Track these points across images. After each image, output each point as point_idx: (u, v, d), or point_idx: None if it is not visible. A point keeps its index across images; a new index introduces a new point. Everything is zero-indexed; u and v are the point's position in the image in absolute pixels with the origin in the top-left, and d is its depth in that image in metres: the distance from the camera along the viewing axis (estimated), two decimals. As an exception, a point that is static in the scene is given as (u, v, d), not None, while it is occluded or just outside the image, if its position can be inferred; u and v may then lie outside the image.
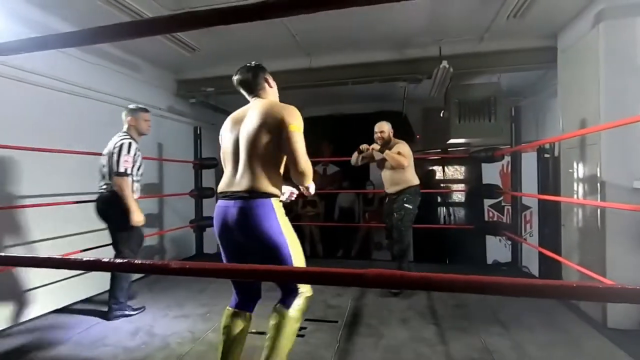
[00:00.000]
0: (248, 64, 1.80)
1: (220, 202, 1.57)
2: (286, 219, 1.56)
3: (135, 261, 0.65)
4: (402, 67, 4.04)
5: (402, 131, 6.25)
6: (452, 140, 4.66)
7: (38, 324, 2.58)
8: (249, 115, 1.59)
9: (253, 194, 1.48)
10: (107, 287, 2.61)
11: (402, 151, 3.01)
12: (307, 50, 3.92)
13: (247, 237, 1.52)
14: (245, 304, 1.65)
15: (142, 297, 3.05)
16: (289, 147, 1.51)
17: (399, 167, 2.97)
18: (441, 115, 4.71)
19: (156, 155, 4.32)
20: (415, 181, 3.09)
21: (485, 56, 3.86)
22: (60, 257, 0.79)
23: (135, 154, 2.56)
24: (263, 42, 3.68)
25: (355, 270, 0.58)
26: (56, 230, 3.06)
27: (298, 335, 2.22)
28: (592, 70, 2.97)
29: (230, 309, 1.64)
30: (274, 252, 1.50)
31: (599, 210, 2.88)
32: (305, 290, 1.58)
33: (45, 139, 2.84)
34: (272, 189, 1.51)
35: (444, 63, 3.56)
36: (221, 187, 1.59)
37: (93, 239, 3.37)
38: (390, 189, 3.14)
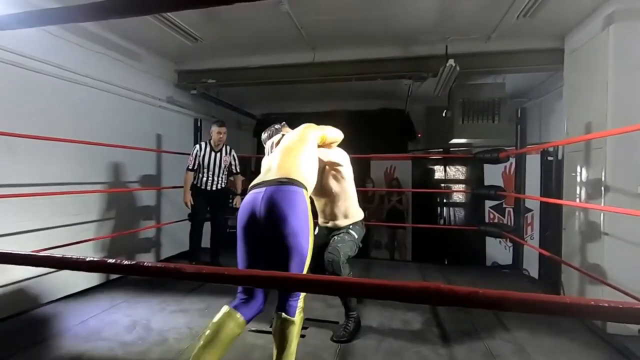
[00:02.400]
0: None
1: None
2: None
3: (146, 264, 0.61)
4: (407, 65, 3.98)
5: (405, 129, 6.25)
6: (454, 140, 4.63)
7: (32, 316, 2.54)
8: None
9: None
10: (103, 280, 2.57)
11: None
12: (312, 44, 3.85)
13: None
14: (247, 309, 1.56)
15: (138, 290, 3.01)
16: None
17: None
18: (444, 114, 4.67)
19: (155, 146, 4.25)
20: None
21: (491, 56, 3.81)
22: (61, 256, 0.75)
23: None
24: (267, 34, 3.61)
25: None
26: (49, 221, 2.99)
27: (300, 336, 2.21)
28: (600, 73, 2.94)
29: (228, 307, 1.55)
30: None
31: (602, 215, 2.86)
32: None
33: (42, 126, 2.76)
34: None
35: (451, 61, 3.51)
36: None
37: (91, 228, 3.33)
38: None
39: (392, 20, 3.29)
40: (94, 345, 2.11)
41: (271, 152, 1.87)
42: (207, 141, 3.63)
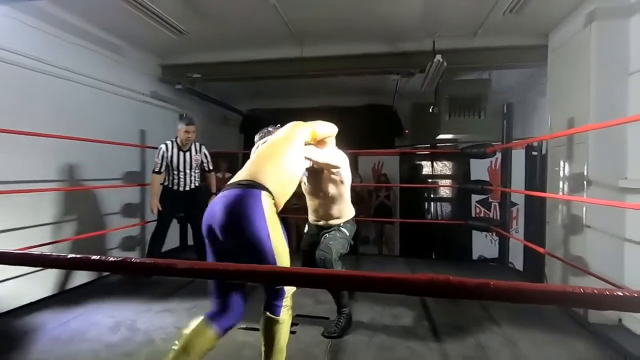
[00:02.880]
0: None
1: None
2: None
3: (136, 260, 0.57)
4: (395, 60, 3.99)
5: (392, 125, 6.27)
6: (441, 136, 4.67)
7: (11, 318, 2.43)
8: None
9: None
10: (85, 280, 2.49)
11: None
12: (300, 39, 3.80)
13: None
14: (222, 319, 1.50)
15: (122, 291, 2.93)
16: None
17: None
18: (431, 110, 4.70)
19: (139, 142, 4.14)
20: None
21: (477, 52, 3.85)
22: (50, 254, 0.70)
23: None
24: (254, 28, 3.55)
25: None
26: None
27: (290, 332, 2.18)
28: (583, 69, 3.00)
29: (203, 320, 1.49)
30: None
31: (584, 208, 2.94)
32: (289, 288, 1.55)
33: (19, 121, 2.64)
34: None
35: (438, 57, 3.53)
36: None
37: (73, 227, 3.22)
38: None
39: (380, 15, 3.28)
40: (77, 347, 2.03)
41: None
42: (174, 140, 3.33)
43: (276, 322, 1.51)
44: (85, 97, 3.39)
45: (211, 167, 3.56)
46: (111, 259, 0.59)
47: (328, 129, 1.90)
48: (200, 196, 3.48)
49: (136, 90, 4.09)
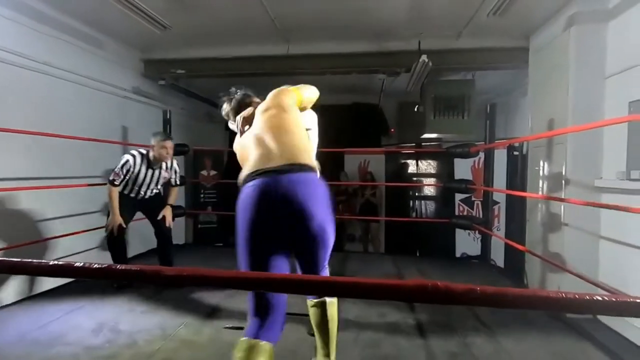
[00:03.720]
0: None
1: None
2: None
3: (120, 267, 0.56)
4: (381, 59, 4.01)
5: (378, 124, 6.32)
6: (426, 135, 4.73)
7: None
8: None
9: None
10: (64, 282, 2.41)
11: None
12: (286, 36, 3.78)
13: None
14: (268, 331, 1.31)
15: (104, 291, 2.86)
16: None
17: None
18: (416, 109, 4.76)
19: (121, 139, 4.04)
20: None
21: (461, 53, 3.92)
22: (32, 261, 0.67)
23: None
24: (240, 24, 3.50)
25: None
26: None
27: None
28: (562, 72, 3.09)
29: (248, 339, 1.27)
30: None
31: (562, 207, 3.03)
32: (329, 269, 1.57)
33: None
34: None
35: (424, 57, 3.57)
36: None
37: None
38: None
39: (366, 14, 3.29)
40: (56, 351, 1.98)
41: (244, 129, 1.55)
42: (144, 154, 2.95)
43: (333, 303, 1.53)
44: (66, 93, 3.28)
45: (178, 182, 3.25)
46: (95, 265, 0.57)
47: (313, 93, 1.70)
48: (159, 199, 3.20)
49: (118, 86, 3.98)
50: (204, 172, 5.63)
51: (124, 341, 2.09)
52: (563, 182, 3.04)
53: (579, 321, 2.50)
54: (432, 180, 5.65)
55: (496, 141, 3.75)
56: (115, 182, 2.86)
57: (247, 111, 1.60)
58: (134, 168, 2.89)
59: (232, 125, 1.68)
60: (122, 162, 2.88)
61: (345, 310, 2.47)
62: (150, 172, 2.97)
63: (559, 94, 3.12)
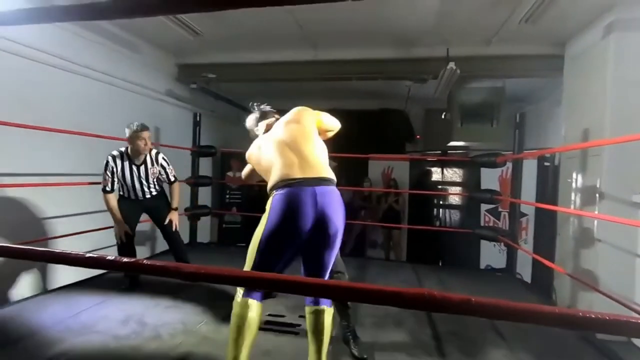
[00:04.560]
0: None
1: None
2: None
3: (144, 261, 0.60)
4: (408, 66, 4.00)
5: (403, 130, 6.26)
6: (452, 143, 4.65)
7: (24, 307, 2.52)
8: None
9: None
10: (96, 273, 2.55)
11: None
12: (313, 42, 3.84)
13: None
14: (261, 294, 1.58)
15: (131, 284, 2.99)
16: None
17: None
18: (443, 116, 4.69)
19: (153, 140, 4.22)
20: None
21: (492, 60, 3.84)
22: (62, 251, 0.74)
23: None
24: (268, 31, 3.60)
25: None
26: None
27: (292, 333, 2.21)
28: (600, 80, 2.96)
29: (249, 300, 1.53)
30: None
31: (595, 222, 2.89)
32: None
33: (38, 116, 2.74)
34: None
35: (451, 64, 3.52)
36: None
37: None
38: None
39: (393, 21, 3.29)
40: (87, 338, 2.09)
41: (266, 133, 1.78)
42: (123, 151, 2.74)
43: (329, 312, 1.57)
44: (102, 94, 3.49)
45: (172, 178, 2.92)
46: (125, 260, 0.62)
47: (334, 122, 1.88)
48: (162, 199, 2.97)
49: (153, 89, 4.18)
50: (230, 174, 5.77)
51: (149, 333, 2.18)
52: (597, 195, 2.91)
53: (610, 344, 2.36)
54: (457, 189, 5.52)
55: (526, 151, 3.62)
56: (107, 189, 2.70)
57: (270, 120, 1.87)
58: (116, 168, 2.70)
59: (256, 131, 1.88)
60: (104, 165, 2.71)
61: (362, 314, 2.46)
62: (135, 168, 2.75)
63: (596, 104, 2.99)
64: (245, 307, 1.52)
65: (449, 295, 0.54)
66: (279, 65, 4.25)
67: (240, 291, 1.56)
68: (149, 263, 0.61)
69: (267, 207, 1.53)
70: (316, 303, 1.58)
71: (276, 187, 1.51)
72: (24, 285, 2.76)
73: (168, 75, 4.49)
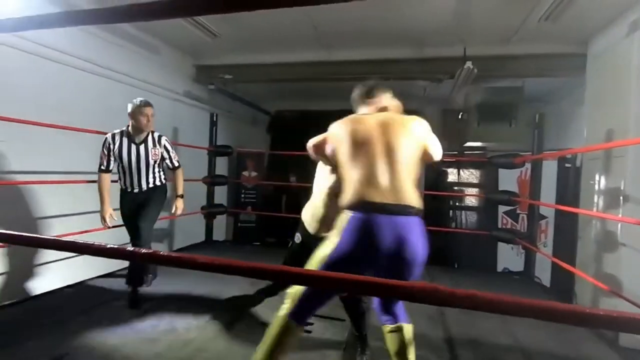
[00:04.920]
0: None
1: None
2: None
3: (162, 253, 0.63)
4: (424, 66, 3.95)
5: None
6: (469, 143, 4.58)
7: (50, 299, 2.63)
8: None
9: None
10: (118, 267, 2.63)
11: None
12: (327, 42, 3.85)
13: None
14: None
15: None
16: None
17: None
18: (460, 117, 4.63)
19: (171, 139, 4.33)
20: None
21: (511, 59, 3.75)
22: (81, 241, 0.78)
23: None
24: (283, 32, 3.63)
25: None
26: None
27: (305, 331, 2.23)
28: (624, 80, 2.86)
29: (296, 324, 1.44)
30: None
31: (619, 225, 2.80)
32: None
33: (62, 116, 2.85)
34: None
35: (468, 64, 3.47)
36: None
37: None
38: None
39: (409, 20, 3.27)
40: (107, 330, 2.17)
41: (366, 125, 1.50)
42: (124, 130, 2.60)
43: (409, 328, 1.48)
44: (122, 95, 3.59)
45: (176, 163, 2.78)
46: (143, 251, 0.66)
47: (438, 154, 1.60)
48: (158, 193, 2.74)
49: (171, 89, 4.28)
50: (246, 173, 5.85)
51: (165, 327, 2.24)
52: (621, 198, 2.81)
53: (633, 352, 2.29)
54: (474, 190, 5.42)
55: (545, 152, 3.53)
56: (102, 167, 2.56)
57: (377, 99, 1.67)
58: (113, 145, 2.54)
59: (360, 109, 1.71)
60: (102, 143, 2.59)
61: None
62: (133, 147, 2.58)
63: (620, 103, 2.89)
64: (292, 332, 1.44)
65: (455, 290, 0.54)
66: (294, 66, 4.29)
67: (286, 307, 1.46)
68: (164, 254, 0.64)
69: (339, 226, 1.42)
70: (395, 320, 1.49)
71: (353, 207, 1.37)
72: (41, 280, 2.87)
73: (186, 77, 4.59)
